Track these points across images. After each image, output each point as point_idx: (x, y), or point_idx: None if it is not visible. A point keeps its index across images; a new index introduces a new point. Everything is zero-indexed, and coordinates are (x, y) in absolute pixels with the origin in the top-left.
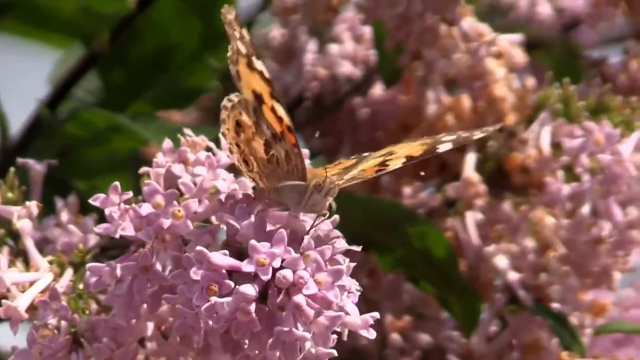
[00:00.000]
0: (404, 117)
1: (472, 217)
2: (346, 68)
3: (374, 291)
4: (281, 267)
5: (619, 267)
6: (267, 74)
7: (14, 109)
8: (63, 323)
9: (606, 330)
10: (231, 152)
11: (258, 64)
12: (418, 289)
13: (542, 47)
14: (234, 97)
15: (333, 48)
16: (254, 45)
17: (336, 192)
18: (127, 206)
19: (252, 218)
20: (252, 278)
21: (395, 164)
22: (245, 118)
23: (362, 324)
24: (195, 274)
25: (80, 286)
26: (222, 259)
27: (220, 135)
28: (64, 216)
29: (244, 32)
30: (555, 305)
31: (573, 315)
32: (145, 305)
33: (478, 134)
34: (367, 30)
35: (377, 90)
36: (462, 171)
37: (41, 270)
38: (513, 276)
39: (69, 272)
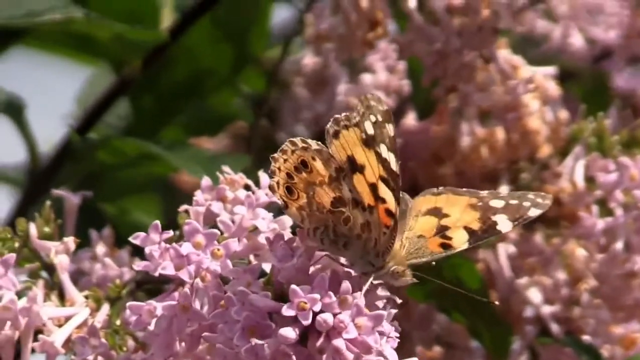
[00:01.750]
0: (437, 148)
1: (504, 249)
2: None
3: (405, 321)
4: (321, 311)
5: None
6: (393, 164)
7: (39, 124)
8: (100, 359)
9: None
10: (272, 174)
11: (384, 152)
12: (449, 319)
13: (573, 78)
14: (313, 142)
15: (366, 78)
16: (393, 141)
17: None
18: (168, 245)
19: (295, 260)
20: (293, 320)
21: (460, 240)
22: (319, 166)
23: None
24: (237, 314)
25: (117, 322)
26: (263, 301)
27: (260, 173)
28: (100, 249)
29: (390, 127)
30: (586, 338)
31: (604, 348)
32: (183, 344)
33: (532, 209)
34: (400, 61)
35: (410, 120)
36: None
37: (77, 305)
38: (545, 309)
39: (105, 308)
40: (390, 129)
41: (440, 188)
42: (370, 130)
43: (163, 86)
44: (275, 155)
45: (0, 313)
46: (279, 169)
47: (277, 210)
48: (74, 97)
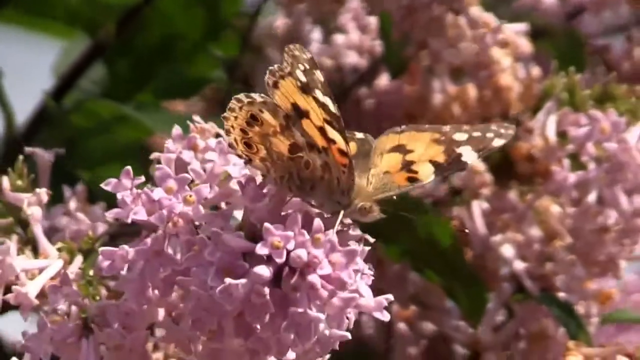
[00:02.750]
0: (409, 106)
1: (478, 207)
2: (352, 58)
3: (379, 281)
4: (295, 249)
5: (625, 256)
6: (331, 107)
7: (18, 99)
8: (73, 308)
9: (611, 319)
10: (227, 133)
11: (321, 97)
12: (424, 279)
13: (546, 35)
14: (257, 96)
15: (338, 38)
16: (326, 86)
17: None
18: (140, 190)
19: (267, 200)
20: (266, 261)
21: (425, 173)
22: (268, 117)
23: (375, 306)
24: (210, 255)
25: (91, 273)
26: (236, 240)
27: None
28: (73, 204)
29: (318, 73)
30: (561, 295)
31: (579, 304)
32: (156, 291)
33: (496, 139)
34: (372, 20)
35: (383, 80)
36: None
37: (51, 257)
38: (519, 265)
39: (78, 259)
40: (319, 74)
41: (403, 126)
42: (302, 78)
43: (137, 51)
44: (226, 114)
45: None
46: (232, 127)
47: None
48: (50, 67)
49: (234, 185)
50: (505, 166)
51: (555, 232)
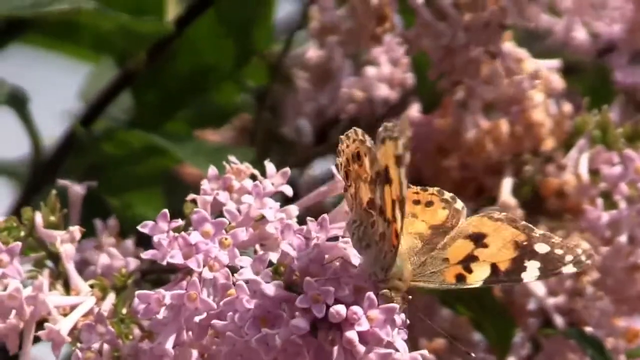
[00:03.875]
0: (441, 140)
1: None
2: (383, 91)
3: (407, 314)
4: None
5: None
6: (404, 190)
7: (41, 121)
8: (106, 347)
9: (635, 355)
10: (337, 154)
11: (403, 176)
12: (453, 312)
13: (576, 73)
14: (369, 140)
15: (370, 71)
16: (407, 170)
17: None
18: (176, 234)
19: (311, 250)
20: (304, 311)
21: (478, 276)
22: (367, 163)
23: None
24: (248, 302)
25: (124, 311)
26: (275, 290)
27: (266, 162)
28: (105, 239)
29: (407, 156)
30: (589, 330)
31: (607, 340)
32: (189, 333)
33: (569, 264)
34: (404, 54)
35: (414, 112)
36: (499, 195)
37: (83, 294)
38: (549, 300)
39: (111, 296)
40: (407, 157)
41: (502, 214)
42: (401, 150)
43: (166, 80)
44: (342, 137)
45: (5, 301)
46: (343, 151)
47: (282, 201)
48: (77, 92)
49: (269, 228)
50: (535, 202)
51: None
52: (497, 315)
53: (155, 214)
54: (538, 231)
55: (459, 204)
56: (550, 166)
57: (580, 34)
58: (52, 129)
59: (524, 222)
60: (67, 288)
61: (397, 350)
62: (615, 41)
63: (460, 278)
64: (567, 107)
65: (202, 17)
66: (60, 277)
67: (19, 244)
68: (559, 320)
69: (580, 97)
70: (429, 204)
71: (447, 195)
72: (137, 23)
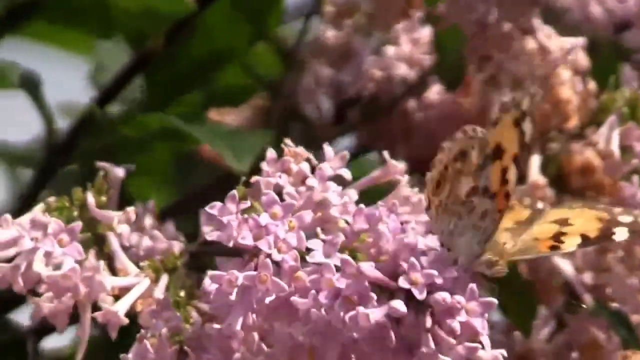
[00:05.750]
0: (468, 119)
1: None
2: (402, 70)
3: None
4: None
5: None
6: (527, 138)
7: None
8: (164, 331)
9: None
10: (435, 167)
11: (527, 126)
12: None
13: (592, 49)
14: (480, 131)
15: (390, 50)
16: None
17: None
18: (247, 215)
19: (404, 234)
20: (395, 294)
21: (570, 244)
22: (475, 156)
23: (491, 358)
24: (339, 281)
25: (182, 293)
26: (373, 270)
27: (324, 145)
28: (147, 221)
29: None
30: (615, 306)
31: (632, 317)
32: (254, 316)
33: None
34: (424, 33)
35: (433, 93)
36: (527, 174)
37: (136, 275)
38: (574, 276)
39: (164, 278)
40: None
41: (580, 202)
42: (526, 105)
43: (179, 62)
44: (445, 145)
45: (60, 281)
46: (440, 160)
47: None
48: (87, 76)
49: (333, 212)
50: (559, 179)
51: (611, 245)
52: (521, 292)
53: (167, 197)
54: (619, 209)
55: (540, 205)
56: (575, 144)
57: (595, 10)
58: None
59: (602, 205)
60: (112, 270)
61: (483, 346)
62: (630, 18)
63: (553, 247)
64: (592, 85)
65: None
66: (103, 259)
67: (80, 223)
68: (587, 297)
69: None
70: (511, 208)
71: (527, 200)
72: (159, 1)
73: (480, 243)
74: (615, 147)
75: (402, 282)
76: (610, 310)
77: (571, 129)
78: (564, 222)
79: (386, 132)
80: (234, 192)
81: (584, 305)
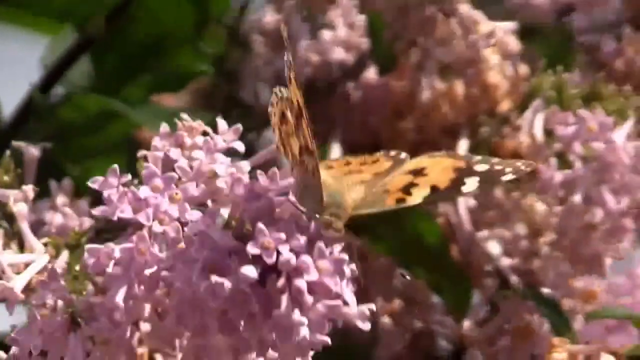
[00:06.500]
0: (398, 102)
1: (464, 203)
2: (339, 54)
3: (364, 275)
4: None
5: (610, 254)
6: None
7: (3, 94)
8: (60, 303)
9: (597, 315)
10: (274, 132)
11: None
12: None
13: (536, 34)
14: (284, 90)
15: (326, 34)
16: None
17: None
18: (126, 189)
19: (261, 200)
20: (253, 261)
21: (418, 196)
22: (289, 115)
23: (358, 314)
24: (197, 252)
25: (77, 268)
26: (224, 239)
27: (217, 119)
28: (59, 199)
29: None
30: (546, 291)
31: (564, 301)
32: (142, 287)
33: (509, 174)
34: (360, 17)
35: (370, 75)
36: None
37: (37, 252)
38: (505, 261)
39: (64, 254)
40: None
41: (442, 152)
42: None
43: (125, 45)
44: (269, 109)
45: None
46: (274, 114)
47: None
48: (38, 61)
49: (220, 183)
50: None
51: (540, 229)
52: (454, 277)
53: None
54: (478, 157)
55: (403, 155)
56: (506, 128)
57: None
58: (13, 101)
59: (464, 154)
60: (22, 248)
61: (346, 303)
62: (574, 2)
63: (400, 201)
64: (523, 69)
65: None
66: (14, 237)
67: None
68: (515, 281)
69: (540, 60)
70: (375, 161)
71: (393, 152)
72: None
73: (318, 201)
74: (538, 130)
75: (251, 248)
76: (540, 294)
77: (501, 113)
78: (419, 172)
79: (324, 116)
80: (115, 166)
81: (512, 290)
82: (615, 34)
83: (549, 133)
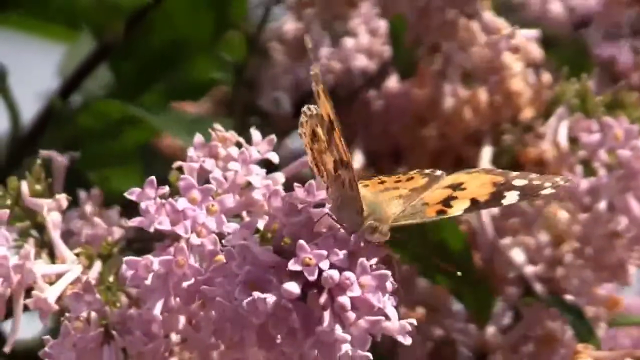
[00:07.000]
0: (420, 110)
1: (487, 211)
2: (361, 62)
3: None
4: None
5: (634, 262)
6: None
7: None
8: (93, 315)
9: (620, 323)
10: (306, 153)
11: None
12: (431, 282)
13: (553, 45)
14: (313, 108)
15: (348, 42)
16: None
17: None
18: (164, 200)
19: (301, 216)
20: (294, 276)
21: (458, 208)
22: (320, 132)
23: (399, 329)
24: (238, 267)
25: (110, 279)
26: (266, 255)
27: (251, 130)
28: (88, 208)
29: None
30: (569, 298)
31: (587, 308)
32: (177, 299)
33: (548, 188)
34: (382, 24)
35: (392, 83)
36: (478, 165)
37: (68, 263)
38: (528, 269)
39: (97, 265)
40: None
41: (479, 168)
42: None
43: (143, 53)
44: (299, 131)
45: None
46: (305, 134)
47: (267, 167)
48: (55, 69)
49: (257, 195)
50: (514, 171)
51: (563, 236)
52: (476, 285)
53: (133, 186)
54: (515, 172)
55: (438, 172)
56: (529, 135)
57: (555, 7)
58: (29, 112)
59: (500, 169)
60: (52, 258)
61: (387, 317)
62: (591, 15)
63: (440, 212)
64: (546, 77)
65: None
66: (45, 247)
67: (7, 211)
68: (538, 288)
69: (558, 70)
70: (410, 178)
71: (428, 170)
72: None
73: (358, 212)
74: (563, 138)
75: (292, 265)
76: (564, 302)
77: (525, 120)
78: (457, 186)
79: (345, 124)
80: (152, 177)
81: (536, 298)
82: (631, 46)
83: (572, 140)
